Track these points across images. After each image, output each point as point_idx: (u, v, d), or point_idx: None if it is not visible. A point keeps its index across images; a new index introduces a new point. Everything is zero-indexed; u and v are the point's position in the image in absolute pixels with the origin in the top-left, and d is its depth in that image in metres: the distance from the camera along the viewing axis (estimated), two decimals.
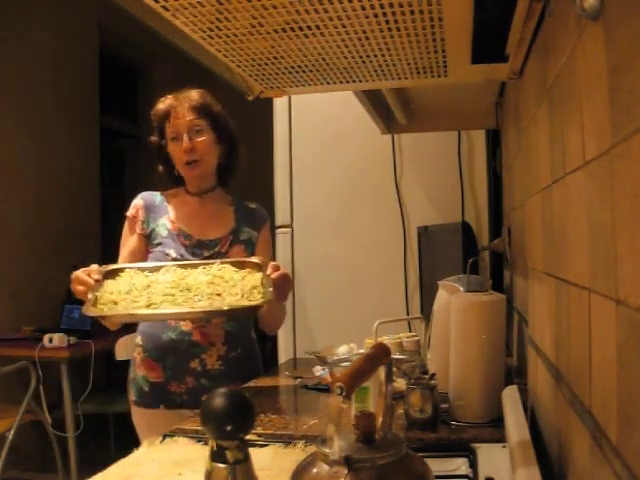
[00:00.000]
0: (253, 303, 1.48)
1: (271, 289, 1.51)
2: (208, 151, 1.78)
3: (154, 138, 1.82)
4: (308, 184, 2.60)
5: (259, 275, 1.57)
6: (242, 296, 1.49)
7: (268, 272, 1.57)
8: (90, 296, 1.49)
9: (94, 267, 1.56)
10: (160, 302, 1.48)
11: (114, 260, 1.76)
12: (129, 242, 1.80)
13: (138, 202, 1.83)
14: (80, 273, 1.54)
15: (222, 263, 1.63)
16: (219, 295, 1.50)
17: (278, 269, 1.60)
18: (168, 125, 1.76)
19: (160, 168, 1.86)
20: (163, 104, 1.78)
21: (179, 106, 1.75)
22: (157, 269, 1.61)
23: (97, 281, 1.52)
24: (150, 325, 1.76)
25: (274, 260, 1.90)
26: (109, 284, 1.54)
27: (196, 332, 1.72)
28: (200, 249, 1.76)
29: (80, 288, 1.52)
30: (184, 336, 1.72)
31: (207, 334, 1.73)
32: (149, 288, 1.52)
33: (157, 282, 1.54)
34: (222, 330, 1.75)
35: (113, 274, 1.58)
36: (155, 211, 1.81)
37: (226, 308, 1.47)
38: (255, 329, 1.90)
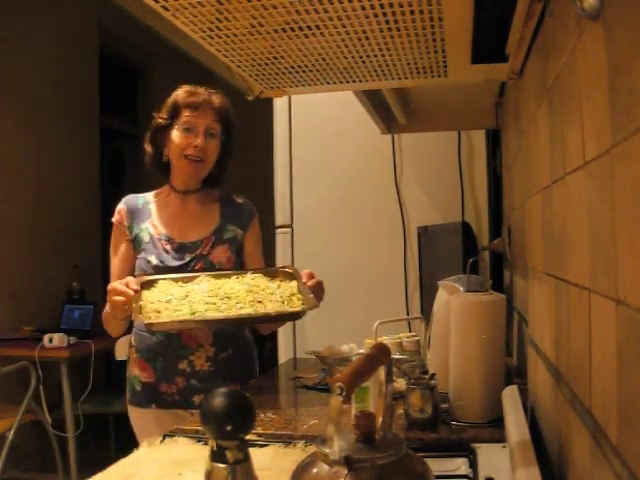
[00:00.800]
0: (299, 309, 1.54)
1: (312, 296, 1.58)
2: (212, 156, 1.78)
3: (163, 116, 1.77)
4: (308, 184, 2.60)
5: (294, 283, 1.64)
6: (283, 302, 1.55)
7: (304, 280, 1.64)
8: (134, 305, 1.50)
9: (130, 279, 1.58)
10: (205, 310, 1.51)
11: (110, 270, 1.77)
12: (119, 250, 1.80)
13: (121, 207, 1.81)
14: (117, 284, 1.56)
15: (254, 272, 1.69)
16: (260, 302, 1.54)
17: (313, 277, 1.66)
18: (188, 114, 1.73)
19: (148, 149, 1.82)
20: (192, 94, 1.75)
21: (207, 103, 1.74)
22: (190, 279, 1.65)
23: (136, 291, 1.53)
24: (141, 327, 1.75)
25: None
26: (146, 294, 1.56)
27: (184, 334, 1.72)
28: (181, 252, 1.75)
29: (118, 299, 1.53)
30: (172, 338, 1.72)
31: (194, 336, 1.73)
32: (187, 297, 1.55)
33: (194, 292, 1.57)
34: (210, 332, 1.74)
35: (148, 285, 1.60)
36: (138, 215, 1.80)
37: (273, 313, 1.52)
38: (251, 329, 1.90)
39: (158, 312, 1.49)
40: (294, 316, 1.62)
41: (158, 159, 1.81)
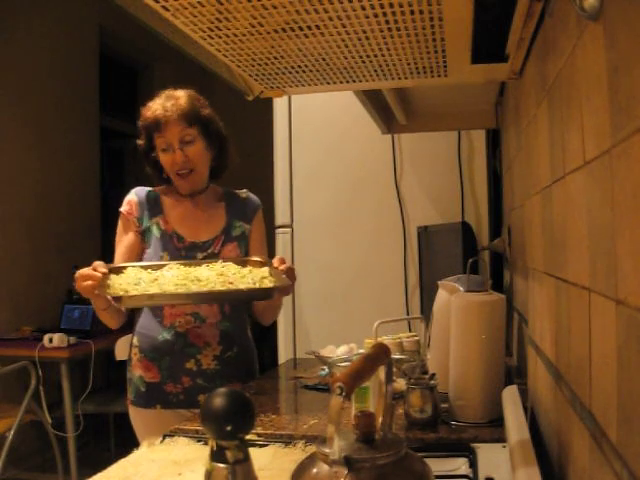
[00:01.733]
0: (271, 285, 1.53)
1: (284, 276, 1.58)
2: (200, 160, 1.76)
3: (141, 142, 1.79)
4: (308, 184, 2.60)
5: (266, 268, 1.62)
6: (255, 284, 1.53)
7: (275, 265, 1.63)
8: (101, 284, 1.48)
9: (98, 263, 1.55)
10: (175, 290, 1.48)
11: (113, 260, 1.76)
12: (125, 239, 1.78)
13: (132, 198, 1.80)
14: (84, 270, 1.52)
15: (225, 261, 1.66)
16: (231, 284, 1.52)
17: (284, 262, 1.65)
18: (158, 135, 1.72)
19: (148, 170, 1.84)
20: (152, 113, 1.72)
21: (169, 116, 1.70)
22: (160, 267, 1.62)
23: (104, 274, 1.51)
24: (146, 326, 1.75)
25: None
26: (114, 278, 1.53)
27: (191, 333, 1.72)
28: (193, 251, 1.76)
29: (86, 283, 1.50)
30: (179, 337, 1.72)
31: (202, 334, 1.73)
32: (157, 281, 1.52)
33: (164, 277, 1.55)
34: (217, 330, 1.75)
35: (117, 271, 1.58)
36: (149, 208, 1.79)
37: (245, 289, 1.50)
38: (251, 328, 1.90)
39: (127, 292, 1.47)
40: (265, 293, 1.57)
41: (160, 177, 1.82)
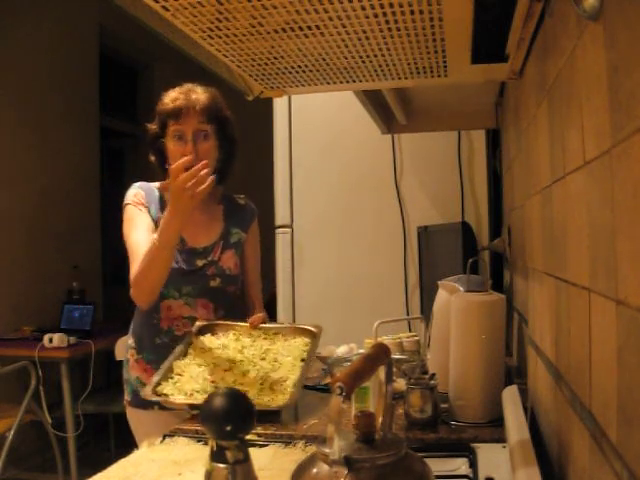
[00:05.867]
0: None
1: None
2: (209, 157, 1.74)
3: (154, 127, 1.76)
4: (308, 184, 2.60)
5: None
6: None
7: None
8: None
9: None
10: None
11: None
12: (144, 224, 1.70)
13: (138, 191, 1.76)
14: (187, 174, 1.49)
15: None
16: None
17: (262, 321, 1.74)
18: (173, 123, 1.70)
19: (152, 158, 1.80)
20: (172, 101, 1.71)
21: (190, 107, 1.69)
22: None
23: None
24: (143, 328, 1.75)
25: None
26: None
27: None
28: (193, 257, 1.74)
29: (201, 189, 1.49)
30: (177, 340, 1.71)
31: None
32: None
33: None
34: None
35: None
36: (155, 203, 1.76)
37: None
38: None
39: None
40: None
41: (163, 167, 1.79)
